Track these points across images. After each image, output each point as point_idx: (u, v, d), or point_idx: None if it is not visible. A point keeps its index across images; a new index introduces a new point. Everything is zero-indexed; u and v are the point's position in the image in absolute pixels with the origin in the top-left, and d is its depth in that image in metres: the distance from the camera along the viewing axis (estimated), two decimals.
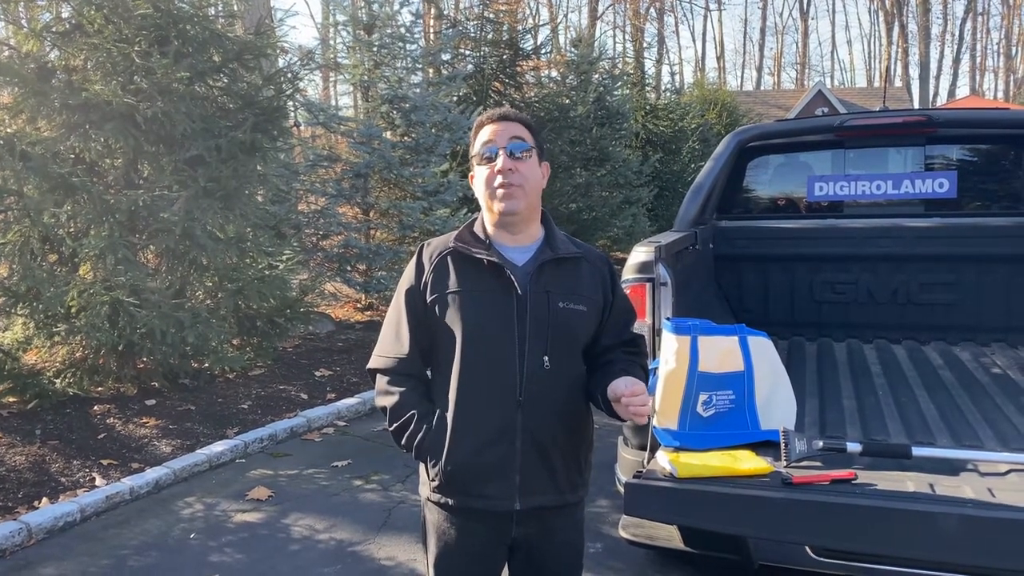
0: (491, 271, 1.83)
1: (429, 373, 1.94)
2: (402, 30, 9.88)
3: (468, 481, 1.84)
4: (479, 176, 1.88)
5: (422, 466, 1.92)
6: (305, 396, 6.11)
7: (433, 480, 1.88)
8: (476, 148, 1.89)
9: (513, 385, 1.81)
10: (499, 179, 1.82)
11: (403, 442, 1.88)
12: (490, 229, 1.90)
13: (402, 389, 1.89)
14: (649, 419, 2.62)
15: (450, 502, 1.87)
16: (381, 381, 1.93)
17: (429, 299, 1.86)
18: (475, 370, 1.82)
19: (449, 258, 1.88)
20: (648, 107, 17.91)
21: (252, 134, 6.01)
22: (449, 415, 1.83)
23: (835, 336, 4.23)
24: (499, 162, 1.83)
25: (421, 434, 1.85)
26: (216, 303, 6.12)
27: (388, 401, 1.90)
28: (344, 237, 8.70)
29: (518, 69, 13.31)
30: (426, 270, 1.88)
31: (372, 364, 1.96)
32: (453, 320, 1.83)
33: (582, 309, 1.87)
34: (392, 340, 1.92)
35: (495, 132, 1.86)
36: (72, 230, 5.64)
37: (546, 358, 1.82)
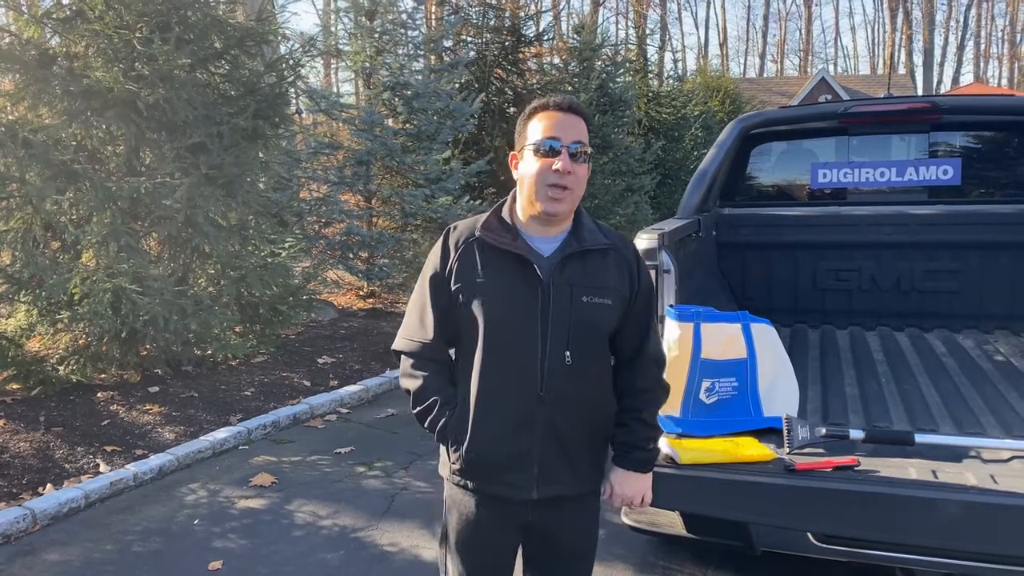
0: (516, 262, 1.81)
1: (453, 353, 1.94)
2: (404, 16, 9.83)
3: (488, 469, 1.85)
4: (530, 165, 1.80)
5: (442, 447, 1.93)
6: (308, 383, 6.12)
7: (454, 463, 1.89)
8: (536, 135, 1.80)
9: (534, 380, 1.80)
10: (555, 178, 1.76)
11: (426, 425, 1.90)
12: (521, 216, 1.86)
13: (425, 374, 1.89)
14: None
15: (469, 484, 1.89)
16: (405, 363, 1.92)
17: (453, 287, 1.83)
18: (497, 363, 1.81)
19: (475, 246, 1.84)
20: (651, 94, 17.83)
21: (254, 121, 6.00)
22: (472, 404, 1.83)
23: (838, 323, 4.23)
24: (561, 161, 1.76)
25: (444, 420, 1.86)
26: (218, 290, 6.12)
27: (412, 385, 1.90)
28: (346, 225, 8.69)
29: (520, 56, 13.23)
30: (451, 257, 1.85)
31: (397, 345, 1.95)
32: (477, 311, 1.81)
33: (607, 303, 1.84)
34: (417, 324, 1.91)
35: (560, 125, 1.79)
36: (74, 217, 5.64)
37: (568, 353, 1.80)
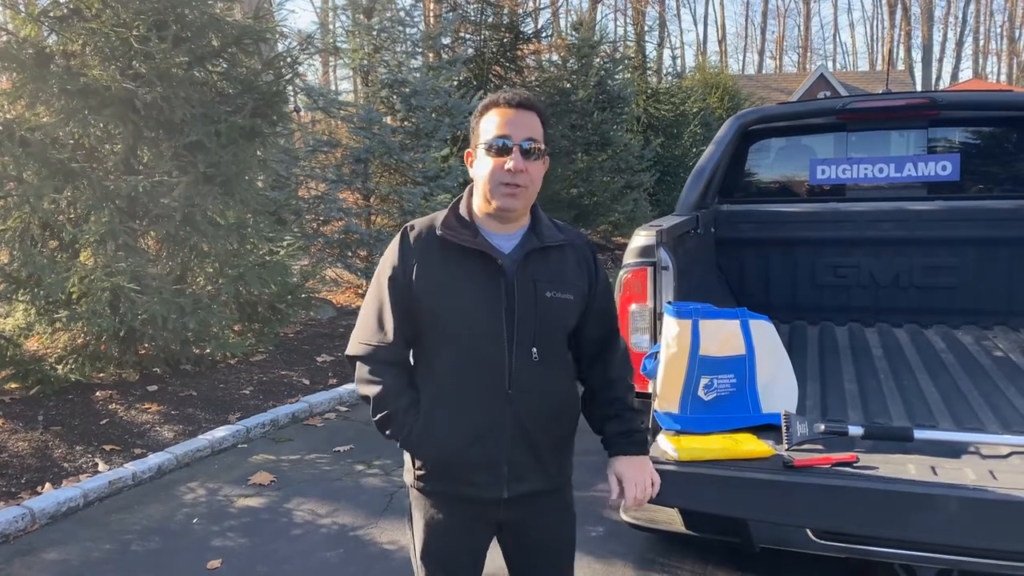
0: (478, 259, 1.78)
1: (411, 358, 1.89)
2: (402, 14, 9.83)
3: (457, 471, 1.81)
4: (483, 164, 1.77)
5: (406, 454, 1.89)
6: (307, 381, 6.12)
7: (419, 470, 1.85)
8: (486, 134, 1.78)
9: (501, 377, 1.77)
10: (507, 178, 1.74)
11: (388, 432, 1.83)
12: (478, 213, 1.83)
13: (385, 378, 1.82)
14: (651, 403, 2.63)
15: (437, 489, 1.85)
16: (362, 369, 1.86)
17: (415, 286, 1.79)
18: (463, 361, 1.78)
19: (435, 244, 1.80)
20: (649, 91, 17.84)
21: (252, 119, 5.99)
22: (437, 406, 1.79)
23: (836, 320, 4.23)
24: (512, 161, 1.73)
25: (408, 426, 1.81)
26: (217, 289, 6.11)
27: (371, 391, 1.83)
28: (344, 223, 8.68)
29: (519, 53, 13.25)
30: (410, 255, 1.81)
31: (352, 351, 1.88)
32: (439, 309, 1.78)
33: (569, 298, 1.84)
34: (374, 326, 1.84)
35: (510, 123, 1.76)
36: (72, 216, 5.63)
37: (534, 350, 1.78)
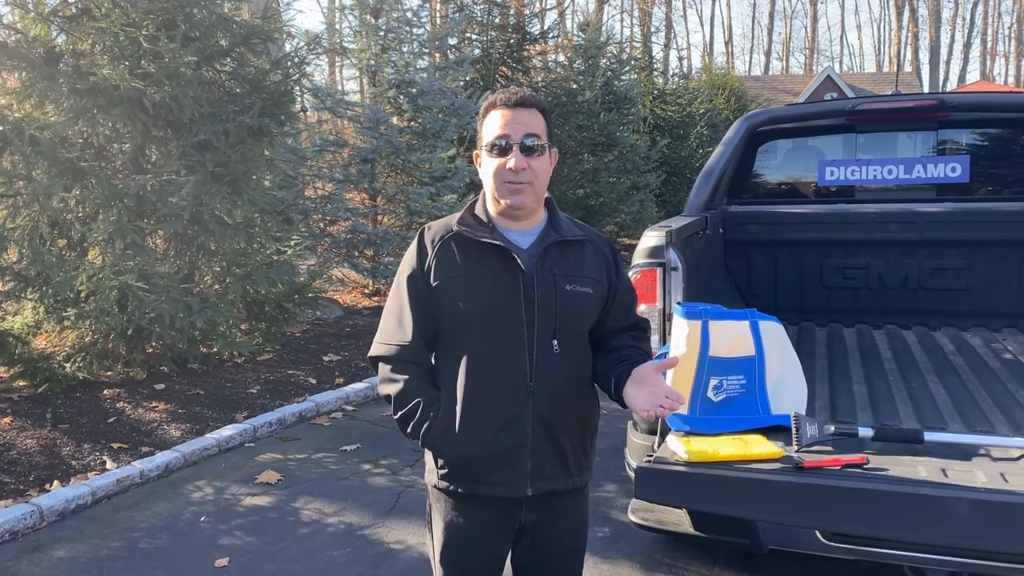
0: (496, 254, 1.80)
1: (433, 359, 1.91)
2: (409, 14, 9.85)
3: (479, 468, 1.81)
4: (488, 165, 1.81)
5: (428, 454, 1.89)
6: (313, 381, 6.13)
7: (442, 468, 1.85)
8: (488, 135, 1.81)
9: (523, 371, 1.78)
10: (511, 176, 1.77)
11: (409, 430, 1.84)
12: (492, 213, 1.86)
13: (406, 376, 1.84)
14: None
15: (459, 490, 1.85)
16: (384, 369, 1.88)
17: (433, 284, 1.81)
18: (484, 356, 1.79)
19: (452, 242, 1.83)
20: (656, 92, 17.81)
21: (260, 119, 6.00)
22: (458, 402, 1.79)
23: (845, 321, 4.22)
24: (512, 160, 1.76)
25: (428, 422, 1.81)
26: (224, 288, 6.13)
27: (392, 389, 1.85)
28: (351, 223, 8.70)
29: (525, 54, 13.26)
30: (429, 254, 1.83)
31: (374, 352, 1.91)
32: (459, 305, 1.79)
33: (588, 291, 1.85)
34: (394, 327, 1.87)
35: (509, 123, 1.77)
36: (81, 215, 5.65)
37: (555, 342, 1.79)
